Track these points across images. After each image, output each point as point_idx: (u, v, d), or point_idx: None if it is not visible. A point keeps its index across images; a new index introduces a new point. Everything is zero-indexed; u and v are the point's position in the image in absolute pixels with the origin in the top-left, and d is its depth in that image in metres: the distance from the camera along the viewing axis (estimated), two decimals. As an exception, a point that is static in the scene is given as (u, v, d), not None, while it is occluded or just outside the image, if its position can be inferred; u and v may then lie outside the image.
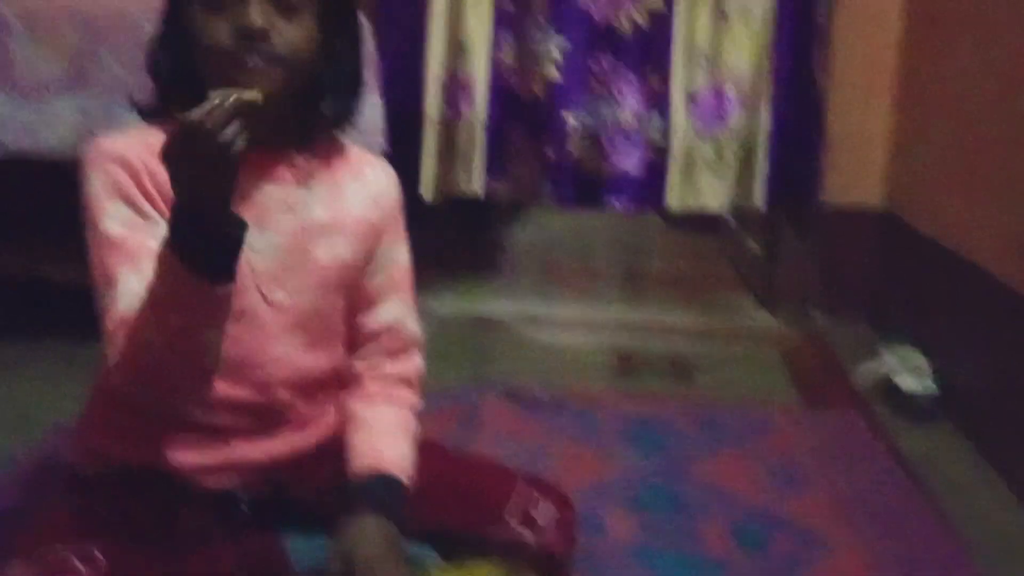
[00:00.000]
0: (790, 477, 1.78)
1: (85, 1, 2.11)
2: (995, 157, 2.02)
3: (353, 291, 1.25)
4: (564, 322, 2.82)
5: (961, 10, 2.30)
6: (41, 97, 2.06)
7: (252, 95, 0.97)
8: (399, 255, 1.29)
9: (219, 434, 1.17)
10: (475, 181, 2.75)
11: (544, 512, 1.25)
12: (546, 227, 4.13)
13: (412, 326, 1.29)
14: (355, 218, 1.22)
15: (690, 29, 2.67)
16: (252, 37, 1.07)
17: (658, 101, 2.70)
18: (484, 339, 2.61)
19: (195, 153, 0.93)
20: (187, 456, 1.16)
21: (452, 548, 1.23)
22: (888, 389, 2.18)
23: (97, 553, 1.05)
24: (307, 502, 1.24)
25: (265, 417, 1.19)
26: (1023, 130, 1.90)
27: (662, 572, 1.48)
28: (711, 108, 2.70)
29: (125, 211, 1.08)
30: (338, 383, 1.27)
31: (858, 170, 2.76)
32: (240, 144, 0.95)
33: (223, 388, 1.14)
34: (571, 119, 2.69)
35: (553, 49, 2.65)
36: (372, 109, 2.31)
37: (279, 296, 1.17)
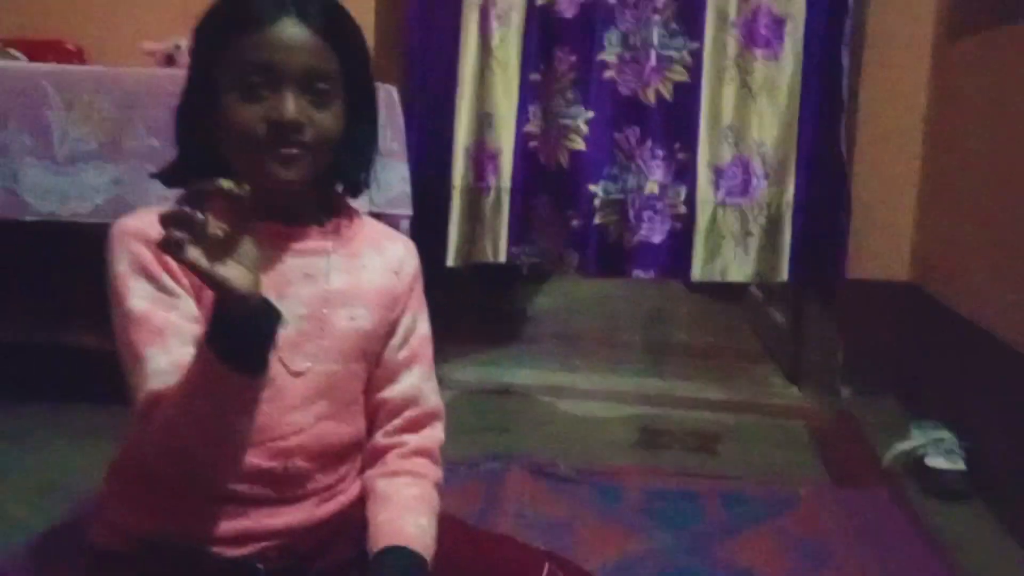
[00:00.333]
0: (817, 557, 1.74)
1: (122, 73, 2.17)
2: (1022, 231, 2.01)
3: (373, 362, 1.25)
4: (587, 392, 2.81)
5: (985, 85, 2.31)
6: (75, 165, 2.10)
7: (229, 185, 0.95)
8: (420, 326, 1.29)
9: (238, 503, 1.16)
10: (499, 249, 2.77)
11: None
12: (569, 295, 4.14)
13: (434, 398, 1.29)
14: (375, 288, 1.23)
15: (716, 102, 2.70)
16: (286, 130, 1.09)
17: (683, 172, 2.72)
18: (506, 408, 2.60)
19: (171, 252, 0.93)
20: (206, 526, 1.15)
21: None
22: (917, 467, 2.15)
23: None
24: (326, 574, 1.22)
25: (284, 486, 1.18)
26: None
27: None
28: (737, 180, 2.72)
29: (149, 288, 1.10)
30: (358, 454, 1.27)
31: (884, 243, 2.75)
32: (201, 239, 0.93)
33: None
34: (596, 189, 2.71)
35: (579, 121, 2.68)
36: (399, 176, 2.34)
37: (300, 365, 1.17)
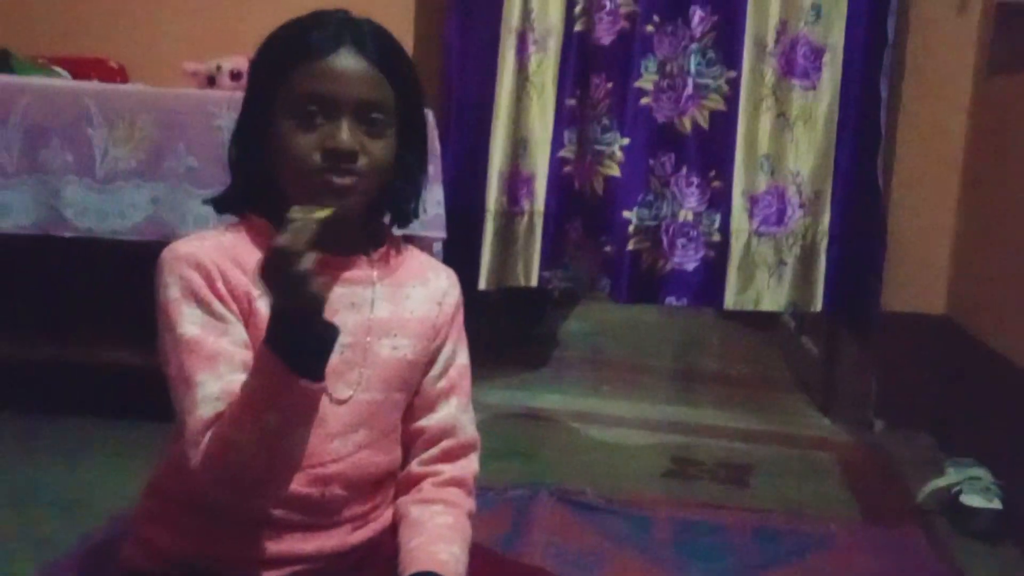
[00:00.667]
0: (849, 596, 1.72)
1: (164, 93, 2.19)
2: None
3: (413, 390, 1.25)
4: (616, 419, 2.79)
5: (1027, 120, 2.29)
6: (115, 183, 2.13)
7: (326, 213, 1.03)
8: (459, 356, 1.30)
9: (272, 527, 1.17)
10: (531, 273, 2.77)
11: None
12: (599, 320, 4.12)
13: (470, 429, 1.30)
14: (417, 318, 1.24)
15: (752, 131, 2.69)
16: (341, 158, 1.10)
17: (718, 200, 2.71)
18: (534, 433, 2.59)
19: (283, 274, 0.99)
20: (240, 549, 1.16)
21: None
22: (952, 505, 2.11)
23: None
24: (357, 601, 1.23)
25: (320, 513, 1.19)
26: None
27: None
28: (772, 209, 2.70)
29: (200, 314, 1.11)
30: (393, 482, 1.27)
31: (920, 276, 2.73)
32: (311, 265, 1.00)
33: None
34: (630, 216, 2.70)
35: (615, 147, 2.68)
36: (434, 199, 2.35)
37: (342, 393, 1.18)
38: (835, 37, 2.65)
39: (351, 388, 1.18)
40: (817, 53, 2.65)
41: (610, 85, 2.68)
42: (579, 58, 2.71)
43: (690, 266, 2.72)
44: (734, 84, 2.67)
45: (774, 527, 1.99)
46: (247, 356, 1.10)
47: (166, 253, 1.14)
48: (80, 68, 2.47)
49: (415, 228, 2.23)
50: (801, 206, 2.70)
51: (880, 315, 2.70)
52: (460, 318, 1.30)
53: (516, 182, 2.75)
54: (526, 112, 2.72)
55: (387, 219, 1.26)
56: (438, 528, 1.21)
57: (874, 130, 2.65)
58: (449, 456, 1.27)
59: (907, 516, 2.12)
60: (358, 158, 1.12)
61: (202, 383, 1.08)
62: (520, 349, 3.46)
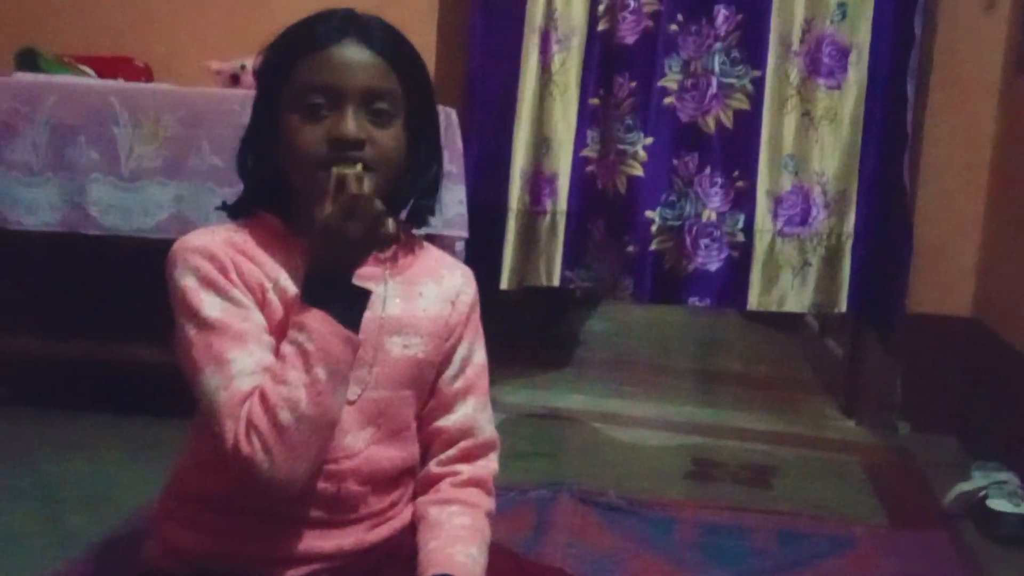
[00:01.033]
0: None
1: (188, 92, 2.20)
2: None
3: (426, 389, 1.25)
4: (638, 419, 2.78)
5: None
6: (139, 182, 2.14)
7: (357, 168, 1.09)
8: (476, 355, 1.29)
9: (291, 524, 1.17)
10: (554, 272, 2.77)
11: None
12: (621, 320, 4.11)
13: (489, 428, 1.29)
14: (430, 317, 1.23)
15: (776, 131, 2.67)
16: (347, 147, 1.10)
17: (742, 201, 2.69)
18: (555, 433, 2.59)
19: (361, 217, 1.06)
20: (260, 546, 1.16)
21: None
22: (978, 509, 2.09)
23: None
24: (375, 599, 1.22)
25: (337, 509, 1.19)
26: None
27: None
28: (796, 210, 2.69)
29: (220, 300, 1.12)
30: (411, 480, 1.27)
31: (946, 278, 2.70)
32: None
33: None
34: (653, 215, 2.69)
35: (638, 146, 2.67)
36: (456, 198, 2.35)
37: (353, 388, 1.17)
38: (861, 36, 2.63)
39: (360, 386, 1.18)
40: (843, 52, 2.63)
41: (633, 84, 2.67)
42: (602, 57, 2.70)
43: (713, 266, 2.71)
44: (758, 83, 2.66)
45: (798, 530, 1.97)
46: (271, 340, 1.11)
47: (178, 246, 1.15)
48: (106, 67, 2.48)
49: (437, 227, 2.26)
50: (826, 206, 2.69)
51: (905, 317, 2.68)
52: (476, 317, 1.30)
53: (539, 181, 2.74)
54: (549, 111, 2.72)
55: (403, 217, 1.25)
56: (456, 529, 1.21)
57: (900, 130, 2.63)
58: (468, 456, 1.26)
59: (932, 520, 2.10)
60: (364, 147, 1.12)
61: (234, 359, 1.08)
62: (542, 349, 3.46)
